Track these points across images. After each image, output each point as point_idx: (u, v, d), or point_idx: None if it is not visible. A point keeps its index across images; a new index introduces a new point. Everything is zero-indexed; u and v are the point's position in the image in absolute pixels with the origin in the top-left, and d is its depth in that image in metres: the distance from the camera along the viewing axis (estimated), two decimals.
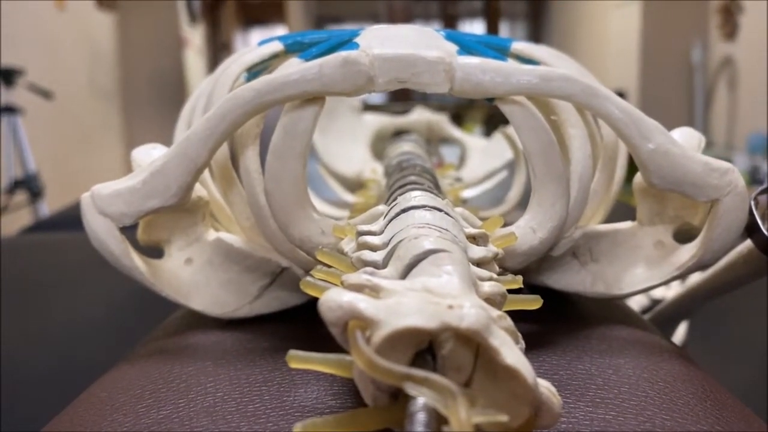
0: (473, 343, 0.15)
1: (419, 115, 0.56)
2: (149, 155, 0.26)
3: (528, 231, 0.24)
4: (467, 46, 0.27)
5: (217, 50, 4.53)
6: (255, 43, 0.31)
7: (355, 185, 0.49)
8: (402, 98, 3.89)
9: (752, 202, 0.27)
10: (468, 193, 0.47)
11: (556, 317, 0.29)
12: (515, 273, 0.22)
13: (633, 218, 0.29)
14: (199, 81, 0.35)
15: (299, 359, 0.16)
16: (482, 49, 0.27)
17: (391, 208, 0.23)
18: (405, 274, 0.18)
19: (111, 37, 3.22)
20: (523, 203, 0.27)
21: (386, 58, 0.23)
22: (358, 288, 0.16)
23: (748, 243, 0.30)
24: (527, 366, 0.14)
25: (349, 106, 0.55)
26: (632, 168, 0.28)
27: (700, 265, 0.26)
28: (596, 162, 0.29)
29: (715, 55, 2.96)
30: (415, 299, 0.15)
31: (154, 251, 0.28)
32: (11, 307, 0.60)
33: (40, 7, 2.46)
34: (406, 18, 5.09)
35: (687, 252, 0.27)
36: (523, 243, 0.24)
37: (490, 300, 0.18)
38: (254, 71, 0.29)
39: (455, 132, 0.56)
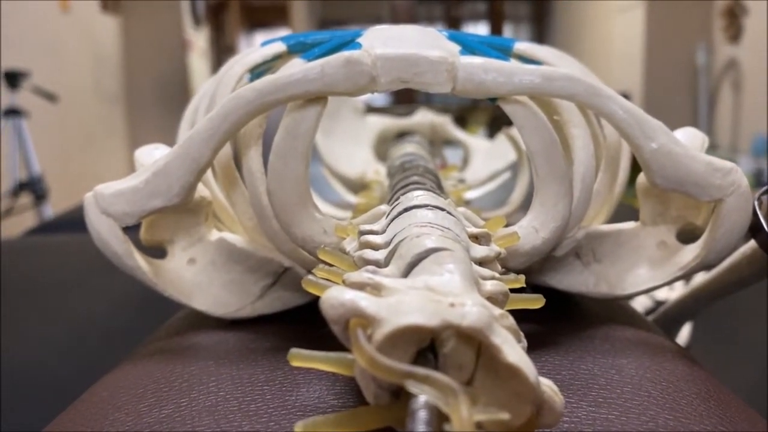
0: (475, 342, 0.15)
1: (422, 117, 0.56)
2: (152, 155, 0.26)
3: (531, 231, 0.24)
4: (470, 46, 0.27)
5: (221, 53, 4.54)
6: (258, 44, 0.31)
7: (358, 187, 0.49)
8: (405, 100, 3.89)
9: (756, 203, 0.27)
10: (471, 195, 0.47)
11: (559, 317, 0.28)
12: (518, 273, 0.22)
13: (636, 220, 0.29)
14: (203, 84, 0.35)
15: (301, 357, 0.16)
16: (485, 50, 0.27)
17: (393, 208, 0.23)
18: (407, 272, 0.18)
19: (115, 40, 3.23)
20: (525, 205, 0.27)
21: (389, 58, 0.23)
22: (359, 286, 0.16)
23: (751, 243, 0.30)
24: (529, 364, 0.14)
25: (352, 108, 0.56)
26: (635, 170, 0.28)
27: (703, 266, 0.26)
28: (599, 162, 0.29)
29: (720, 58, 2.95)
30: (416, 297, 0.15)
31: (156, 251, 0.28)
32: (15, 308, 0.60)
33: (44, 10, 2.47)
34: (410, 20, 5.09)
35: (690, 252, 0.27)
36: (525, 243, 0.24)
37: (492, 299, 0.18)
38: (257, 72, 0.29)
39: (458, 133, 0.56)
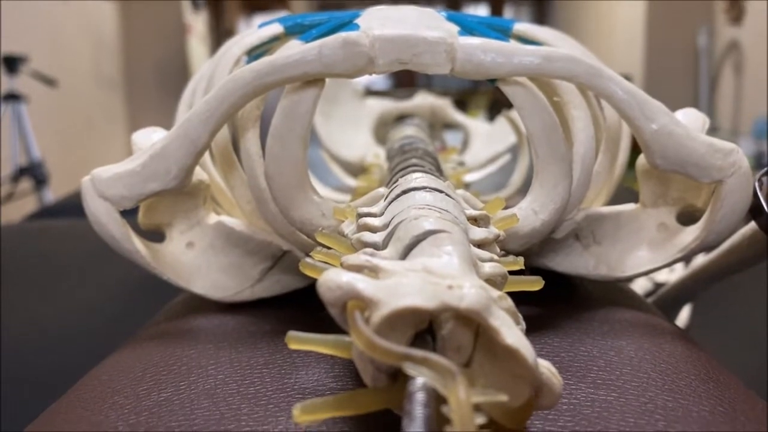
0: (473, 324, 0.15)
1: (422, 100, 0.56)
2: (149, 138, 0.26)
3: (530, 213, 0.24)
4: (468, 27, 0.26)
5: (221, 37, 4.51)
6: (256, 26, 0.31)
7: (358, 170, 0.49)
8: (405, 84, 3.87)
9: (756, 184, 0.26)
10: (470, 177, 0.47)
11: (558, 300, 0.28)
12: (517, 255, 0.22)
13: (636, 202, 0.28)
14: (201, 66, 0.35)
15: (298, 340, 0.16)
16: (484, 30, 0.27)
17: (391, 190, 0.23)
18: (405, 254, 0.18)
19: (114, 25, 3.21)
20: (525, 188, 0.27)
21: (387, 39, 0.23)
22: (357, 268, 0.16)
23: (752, 225, 0.30)
24: (527, 346, 0.14)
25: (351, 92, 0.55)
26: (635, 152, 0.28)
27: (703, 247, 0.26)
28: (599, 144, 0.29)
29: (721, 40, 2.93)
30: (414, 279, 0.15)
31: (155, 235, 0.28)
32: (15, 292, 0.60)
33: None
34: (409, 1, 5.06)
35: (690, 234, 0.27)
36: (524, 225, 0.24)
37: (491, 281, 0.18)
38: (255, 54, 0.29)
39: (458, 116, 0.56)
